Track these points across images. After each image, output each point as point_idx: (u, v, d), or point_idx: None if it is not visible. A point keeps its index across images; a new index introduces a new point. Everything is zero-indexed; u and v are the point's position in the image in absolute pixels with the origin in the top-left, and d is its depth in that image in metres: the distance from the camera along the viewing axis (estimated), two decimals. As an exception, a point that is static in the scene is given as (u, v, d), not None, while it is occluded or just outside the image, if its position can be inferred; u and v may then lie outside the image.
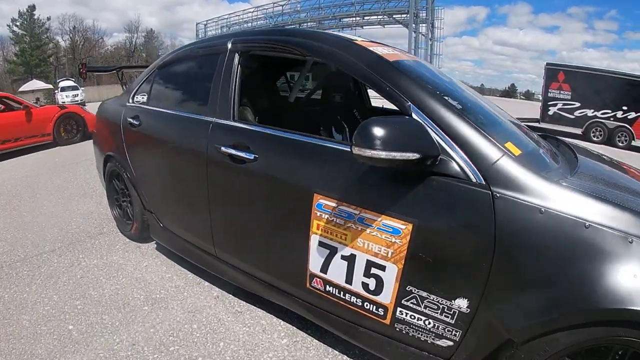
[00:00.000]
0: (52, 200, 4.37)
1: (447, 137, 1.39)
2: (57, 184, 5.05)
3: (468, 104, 1.69)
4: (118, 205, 3.25)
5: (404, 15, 30.80)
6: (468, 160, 1.35)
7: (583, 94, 13.51)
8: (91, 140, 3.74)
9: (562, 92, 13.92)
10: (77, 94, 25.01)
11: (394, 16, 31.36)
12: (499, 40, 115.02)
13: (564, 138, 2.41)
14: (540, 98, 15.18)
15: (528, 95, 72.62)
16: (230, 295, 2.40)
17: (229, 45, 2.18)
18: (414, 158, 1.30)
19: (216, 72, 2.17)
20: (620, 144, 12.83)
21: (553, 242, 1.21)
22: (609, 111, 13.06)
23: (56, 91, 26.85)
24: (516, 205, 1.26)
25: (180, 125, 2.35)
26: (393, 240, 1.44)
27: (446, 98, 1.51)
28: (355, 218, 1.51)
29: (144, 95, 2.85)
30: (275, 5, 36.04)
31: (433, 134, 1.39)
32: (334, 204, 1.56)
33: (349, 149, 1.40)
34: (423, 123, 1.41)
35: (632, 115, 12.67)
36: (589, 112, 13.42)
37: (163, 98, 2.70)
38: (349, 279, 1.61)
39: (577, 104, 13.63)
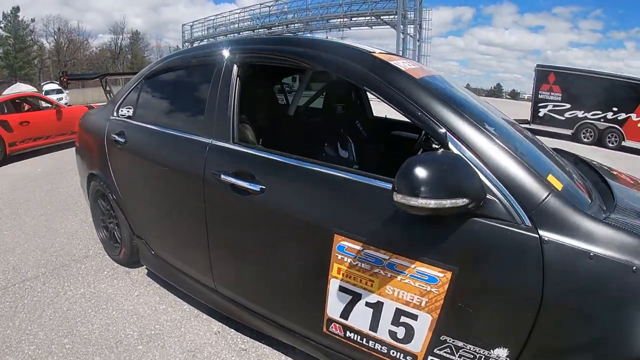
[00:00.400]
0: (34, 216, 4.10)
1: (491, 174, 1.22)
2: (39, 198, 4.76)
3: (501, 129, 1.52)
4: (104, 226, 3.00)
5: (392, 17, 30.74)
6: (514, 200, 1.19)
7: (573, 96, 13.59)
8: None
9: (552, 93, 13.98)
10: (62, 98, 24.40)
11: (381, 17, 31.26)
12: (485, 40, 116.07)
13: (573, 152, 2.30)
14: (526, 97, 15.29)
15: (514, 95, 73.48)
16: (233, 331, 2.19)
17: (227, 55, 1.96)
18: (463, 204, 1.13)
19: (212, 86, 1.94)
20: (611, 145, 12.91)
21: (603, 289, 1.09)
22: (600, 112, 13.15)
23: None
24: (565, 250, 1.12)
25: (172, 146, 2.11)
26: (428, 289, 1.27)
27: (484, 125, 1.34)
28: (384, 264, 1.32)
29: (130, 108, 2.59)
30: (262, 6, 35.71)
31: (478, 172, 1.22)
32: (358, 247, 1.37)
33: (377, 184, 1.23)
34: (467, 159, 1.24)
35: (623, 116, 12.76)
36: (580, 114, 13.50)
37: (151, 113, 2.45)
38: (373, 327, 1.43)
39: (568, 106, 13.70)
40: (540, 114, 14.24)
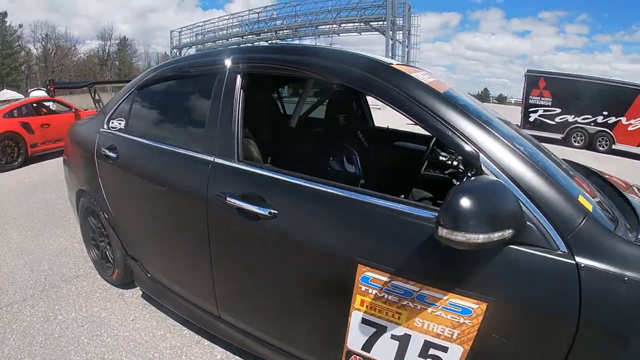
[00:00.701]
0: (21, 231, 3.91)
1: (527, 199, 1.15)
2: (25, 211, 4.57)
3: (528, 146, 1.43)
4: (95, 245, 2.84)
5: (381, 23, 30.88)
6: (550, 226, 1.12)
7: (564, 100, 13.72)
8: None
9: (542, 98, 14.11)
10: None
11: (370, 23, 31.41)
12: (471, 46, 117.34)
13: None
14: (513, 102, 15.45)
15: (501, 99, 74.37)
16: (237, 358, 2.06)
17: (228, 64, 1.82)
18: (509, 236, 1.04)
19: (213, 98, 1.81)
20: (602, 149, 13.04)
21: (638, 313, 1.05)
22: (590, 116, 13.28)
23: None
24: (601, 275, 1.06)
25: (170, 163, 1.96)
26: (461, 320, 1.16)
27: (514, 143, 1.25)
28: (414, 295, 1.22)
29: (122, 120, 2.41)
30: (251, 12, 35.62)
31: (517, 198, 1.14)
32: (385, 279, 1.25)
33: (405, 209, 1.13)
34: (504, 185, 1.14)
35: (613, 119, 12.90)
36: (570, 118, 13.62)
37: (145, 126, 2.29)
38: (399, 359, 1.31)
39: (558, 110, 13.83)
40: (531, 119, 14.34)
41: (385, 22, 30.75)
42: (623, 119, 12.75)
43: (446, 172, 2.56)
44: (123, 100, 2.45)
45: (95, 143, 2.46)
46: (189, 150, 1.87)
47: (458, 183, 2.55)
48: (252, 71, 1.80)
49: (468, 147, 1.22)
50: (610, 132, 12.98)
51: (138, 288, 2.67)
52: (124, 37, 55.34)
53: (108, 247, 2.64)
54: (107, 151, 2.32)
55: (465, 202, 1.00)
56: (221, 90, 1.79)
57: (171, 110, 2.25)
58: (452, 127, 1.25)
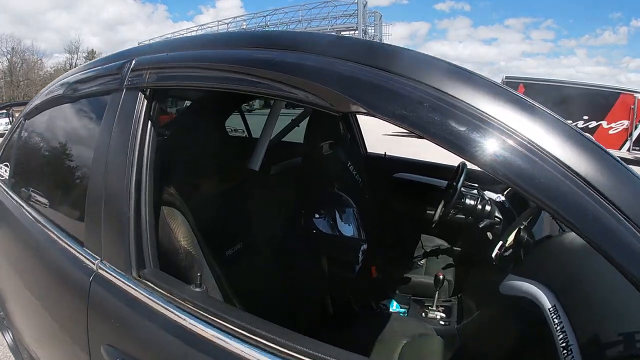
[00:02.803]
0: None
1: None
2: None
3: None
4: None
5: (353, 32, 30.78)
6: None
7: (543, 106, 13.54)
8: None
9: (523, 104, 13.95)
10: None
11: (342, 33, 31.28)
12: (440, 54, 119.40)
13: None
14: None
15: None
16: None
17: (127, 74, 1.08)
18: None
19: (100, 135, 1.10)
20: (584, 154, 12.91)
21: None
22: (570, 121, 12.98)
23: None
24: None
25: (38, 259, 1.29)
26: None
27: None
28: None
29: (7, 166, 1.71)
30: (220, 23, 34.99)
31: None
32: None
33: None
34: None
35: (594, 124, 12.82)
36: (551, 123, 13.47)
37: (29, 178, 1.61)
38: None
39: (538, 116, 13.68)
40: (512, 125, 14.16)
41: (357, 32, 30.72)
42: (604, 123, 12.70)
43: (469, 217, 2.04)
44: (13, 134, 1.75)
45: None
46: (65, 235, 1.19)
47: (492, 236, 2.03)
48: (167, 84, 1.06)
49: None
50: (592, 137, 12.87)
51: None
52: (92, 49, 53.59)
53: None
54: None
55: None
56: (111, 126, 1.06)
57: (52, 158, 1.54)
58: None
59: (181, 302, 0.83)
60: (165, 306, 0.84)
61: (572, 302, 1.05)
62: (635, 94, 12.69)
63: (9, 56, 46.54)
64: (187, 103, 2.04)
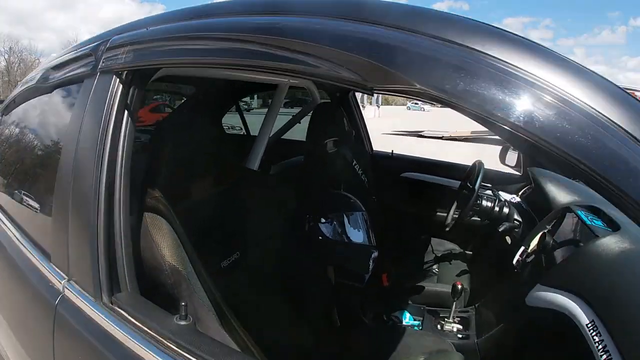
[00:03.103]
0: None
1: None
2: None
3: None
4: None
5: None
6: None
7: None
8: None
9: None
10: None
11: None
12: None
13: None
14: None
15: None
16: None
17: (102, 56, 0.91)
18: None
19: (66, 135, 0.96)
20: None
21: None
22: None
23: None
24: None
25: (6, 272, 1.14)
26: None
27: None
28: None
29: None
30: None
31: None
32: None
33: None
34: None
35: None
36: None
37: (1, 179, 1.46)
38: None
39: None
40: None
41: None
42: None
43: (486, 220, 1.87)
44: None
45: None
46: (32, 246, 1.04)
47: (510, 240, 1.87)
48: (147, 63, 0.83)
49: None
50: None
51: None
52: (90, 48, 53.66)
53: None
54: None
55: None
56: (81, 117, 0.89)
57: (26, 154, 1.37)
58: None
59: (160, 338, 0.66)
60: (139, 344, 0.66)
61: (613, 318, 0.90)
62: (636, 92, 12.60)
63: (6, 56, 46.66)
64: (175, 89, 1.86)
